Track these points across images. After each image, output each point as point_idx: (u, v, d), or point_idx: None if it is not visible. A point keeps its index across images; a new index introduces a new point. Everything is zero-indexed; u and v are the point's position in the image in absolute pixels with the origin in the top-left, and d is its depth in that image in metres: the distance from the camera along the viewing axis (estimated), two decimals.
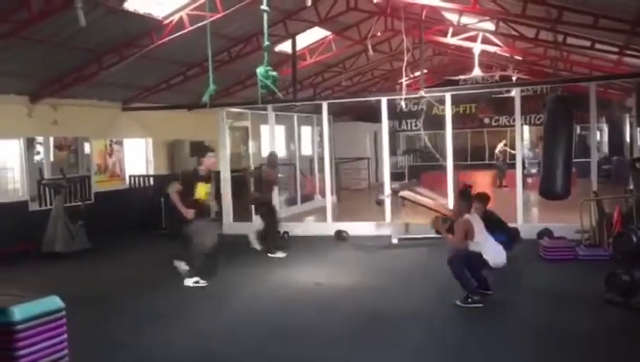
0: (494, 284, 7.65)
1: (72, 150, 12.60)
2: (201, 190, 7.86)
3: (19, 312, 4.35)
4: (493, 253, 6.91)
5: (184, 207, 7.76)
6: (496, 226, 8.17)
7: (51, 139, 12.02)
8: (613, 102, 21.17)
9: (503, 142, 20.85)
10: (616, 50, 11.73)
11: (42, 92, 11.23)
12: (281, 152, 17.69)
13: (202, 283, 7.98)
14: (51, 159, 11.96)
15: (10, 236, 10.31)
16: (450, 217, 8.18)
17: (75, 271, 9.29)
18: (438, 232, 8.49)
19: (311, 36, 13.97)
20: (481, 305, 6.67)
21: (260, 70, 5.26)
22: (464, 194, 7.29)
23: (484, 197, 8.69)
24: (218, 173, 13.71)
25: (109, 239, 11.51)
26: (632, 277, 6.39)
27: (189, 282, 8.01)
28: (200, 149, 8.55)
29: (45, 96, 11.32)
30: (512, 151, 20.10)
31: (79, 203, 11.58)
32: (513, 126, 13.82)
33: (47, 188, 11.32)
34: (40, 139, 11.75)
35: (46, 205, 11.25)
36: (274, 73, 5.23)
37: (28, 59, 10.01)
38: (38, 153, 11.75)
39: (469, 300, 6.68)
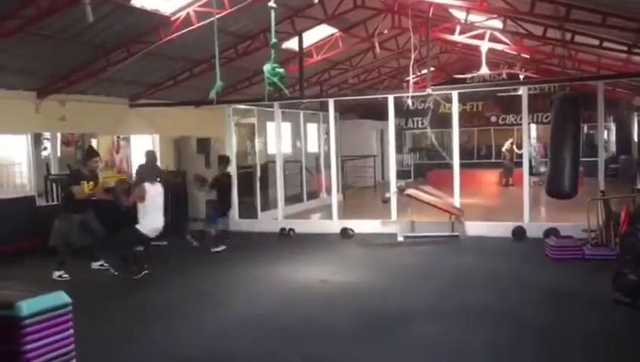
0: (498, 285, 7.66)
1: (79, 146, 12.63)
2: (84, 187, 8.79)
3: (26, 307, 4.36)
4: (150, 221, 8.26)
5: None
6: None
7: (59, 135, 12.05)
8: (621, 101, 21.08)
9: (510, 140, 20.80)
10: (624, 48, 11.66)
11: (50, 88, 11.27)
12: (288, 149, 17.70)
13: (65, 276, 8.49)
14: (58, 155, 11.99)
15: (18, 231, 10.34)
16: None
17: (82, 266, 9.31)
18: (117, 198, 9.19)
19: (318, 33, 13.94)
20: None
21: (266, 67, 5.27)
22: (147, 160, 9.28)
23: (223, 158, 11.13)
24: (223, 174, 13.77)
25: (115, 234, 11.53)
26: (639, 277, 6.36)
27: (55, 275, 8.49)
28: (89, 153, 9.53)
29: (53, 92, 11.35)
30: (519, 152, 20.09)
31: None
32: (520, 124, 13.77)
33: (54, 184, 11.37)
34: (47, 134, 11.79)
35: (53, 200, 11.28)
36: (281, 70, 5.25)
37: (35, 56, 10.04)
38: (46, 149, 11.79)
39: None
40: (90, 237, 8.85)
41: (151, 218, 8.40)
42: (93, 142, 12.82)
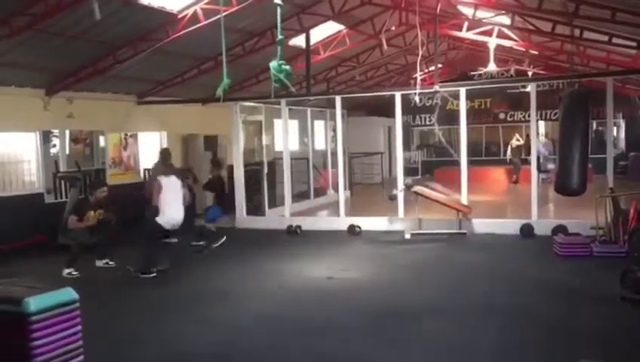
0: (506, 282, 7.64)
1: (88, 143, 12.69)
2: (90, 216, 8.84)
3: (33, 303, 4.38)
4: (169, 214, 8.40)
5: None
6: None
7: (67, 132, 12.11)
8: (630, 97, 20.94)
9: (516, 136, 20.72)
10: (634, 44, 11.57)
11: (58, 85, 11.32)
12: (295, 147, 17.71)
13: (75, 273, 8.58)
14: (67, 152, 12.05)
15: (26, 228, 10.42)
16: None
17: (90, 263, 9.35)
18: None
19: (325, 30, 13.93)
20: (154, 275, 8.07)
21: (273, 64, 5.28)
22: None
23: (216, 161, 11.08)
24: (231, 166, 13.85)
25: (123, 231, 11.58)
26: None
27: (65, 272, 8.59)
28: (96, 183, 9.89)
29: (61, 90, 11.40)
30: (518, 143, 19.99)
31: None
32: (529, 121, 13.70)
33: (62, 181, 11.43)
34: (56, 132, 11.85)
35: (61, 197, 11.35)
36: (287, 67, 5.25)
37: (44, 53, 10.08)
38: (54, 146, 11.85)
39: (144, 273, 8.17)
40: (100, 235, 8.94)
41: (168, 210, 8.48)
42: (101, 139, 12.89)
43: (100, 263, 9.16)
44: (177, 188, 8.74)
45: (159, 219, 8.42)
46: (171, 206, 8.52)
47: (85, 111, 12.08)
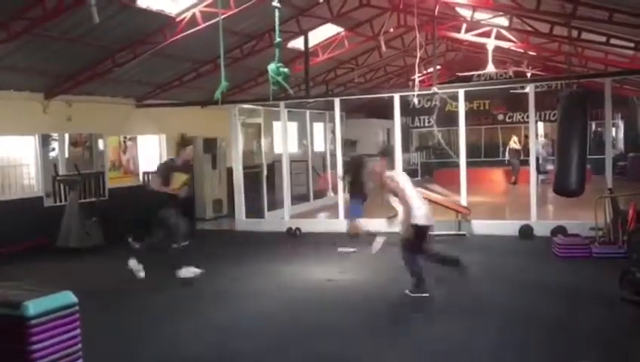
0: (506, 284, 7.63)
1: (87, 146, 12.70)
2: (179, 178, 8.13)
3: (32, 307, 4.38)
4: (423, 208, 7.16)
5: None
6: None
7: (66, 136, 12.12)
8: (628, 98, 20.97)
9: (513, 139, 20.72)
10: (631, 45, 11.58)
11: (57, 89, 11.33)
12: (294, 149, 17.71)
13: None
14: (66, 155, 12.06)
15: (25, 231, 10.42)
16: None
17: (89, 266, 9.37)
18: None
19: (323, 32, 13.93)
20: (427, 294, 6.94)
21: (271, 66, 5.29)
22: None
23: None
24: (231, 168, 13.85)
25: (122, 235, 11.58)
26: None
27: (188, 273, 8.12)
28: (182, 142, 8.91)
29: (60, 93, 11.41)
30: (517, 146, 19.99)
31: (93, 199, 11.70)
32: (527, 122, 13.71)
33: (61, 185, 11.43)
34: (55, 135, 11.86)
35: (61, 201, 11.36)
36: (285, 70, 5.26)
37: (42, 57, 10.09)
38: (53, 149, 11.86)
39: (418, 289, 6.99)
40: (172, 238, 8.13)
41: (419, 205, 7.23)
42: (100, 142, 12.89)
43: (188, 272, 8.08)
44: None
45: (417, 220, 7.11)
46: (419, 199, 7.36)
47: (84, 115, 12.09)
